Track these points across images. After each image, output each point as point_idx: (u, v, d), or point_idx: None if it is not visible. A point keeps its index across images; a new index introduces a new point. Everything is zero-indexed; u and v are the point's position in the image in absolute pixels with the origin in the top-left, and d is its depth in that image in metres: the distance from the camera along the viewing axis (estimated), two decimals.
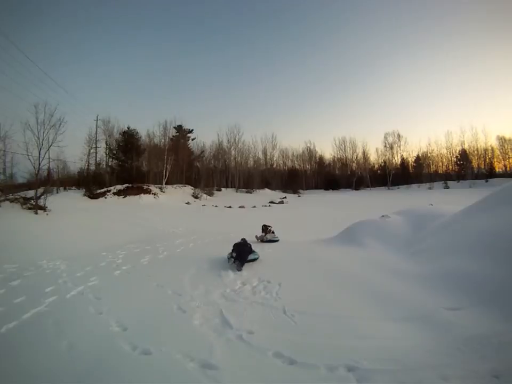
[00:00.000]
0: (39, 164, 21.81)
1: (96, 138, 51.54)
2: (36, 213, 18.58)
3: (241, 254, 8.76)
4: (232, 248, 9.13)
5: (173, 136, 59.38)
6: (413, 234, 10.49)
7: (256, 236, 13.09)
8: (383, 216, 12.72)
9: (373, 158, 77.52)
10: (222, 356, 3.90)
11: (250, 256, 9.03)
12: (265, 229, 13.24)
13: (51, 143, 23.21)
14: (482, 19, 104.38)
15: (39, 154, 21.89)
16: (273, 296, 6.19)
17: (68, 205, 24.97)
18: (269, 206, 40.96)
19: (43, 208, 19.59)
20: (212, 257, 9.63)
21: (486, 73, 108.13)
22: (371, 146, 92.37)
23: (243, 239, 10.08)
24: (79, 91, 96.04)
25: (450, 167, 69.17)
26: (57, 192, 38.49)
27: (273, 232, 13.20)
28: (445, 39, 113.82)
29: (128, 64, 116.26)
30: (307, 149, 79.22)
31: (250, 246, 9.51)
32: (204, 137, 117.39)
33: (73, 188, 45.60)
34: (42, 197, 20.29)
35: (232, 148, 69.30)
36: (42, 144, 22.22)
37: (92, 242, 12.72)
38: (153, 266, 8.82)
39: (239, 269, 8.20)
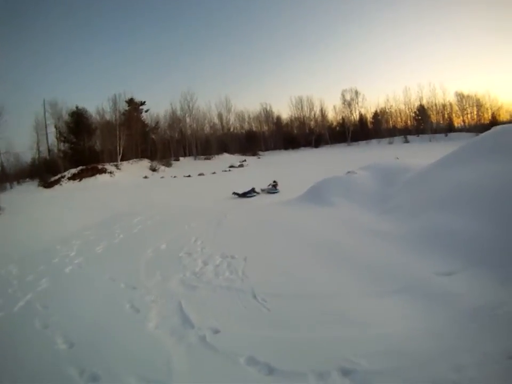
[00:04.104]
0: None
1: (45, 123, 49.68)
2: None
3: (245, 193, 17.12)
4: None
5: (124, 110, 56.75)
6: (383, 190, 10.12)
7: (261, 188, 18.33)
8: (349, 172, 12.31)
9: (331, 115, 76.84)
10: (182, 372, 3.15)
11: (251, 194, 17.23)
12: (274, 183, 18.67)
13: None
14: None
15: None
16: (239, 275, 5.63)
17: (22, 199, 23.94)
18: (229, 170, 40.48)
19: None
20: (171, 234, 9.03)
21: (445, 29, 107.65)
22: (329, 104, 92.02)
23: (253, 188, 17.69)
24: (19, 75, 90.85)
25: (409, 122, 69.59)
26: (11, 188, 37.15)
27: (275, 186, 18.44)
28: None
29: (67, 39, 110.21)
30: (263, 110, 77.43)
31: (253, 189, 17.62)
32: (158, 107, 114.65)
33: (27, 180, 43.43)
34: None
35: (186, 115, 67.27)
36: None
37: (47, 236, 11.58)
38: (107, 254, 8.09)
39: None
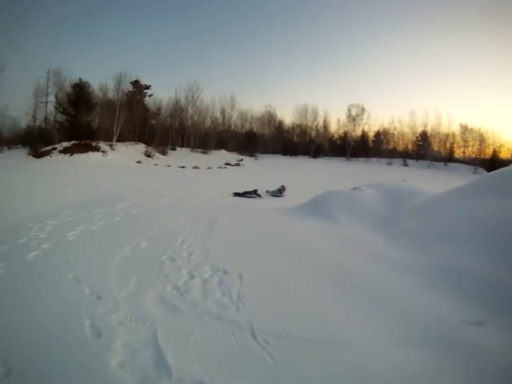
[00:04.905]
0: None
1: (47, 92, 48.67)
2: None
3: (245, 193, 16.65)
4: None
5: (128, 91, 55.86)
6: (388, 212, 9.61)
7: (266, 190, 18.75)
8: (355, 188, 11.59)
9: (333, 128, 76.05)
10: None
11: (251, 195, 16.79)
12: (282, 187, 19.10)
13: None
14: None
15: None
16: (234, 300, 4.52)
17: (7, 166, 22.52)
18: (225, 167, 39.82)
19: None
20: (156, 229, 8.08)
21: (458, 59, 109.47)
22: (333, 116, 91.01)
23: (255, 190, 17.45)
24: (25, 37, 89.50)
25: (409, 146, 69.20)
26: (0, 152, 36.32)
27: (281, 190, 18.96)
28: (422, 20, 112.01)
29: (83, 13, 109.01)
30: (267, 113, 77.15)
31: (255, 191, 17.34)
32: (161, 93, 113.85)
33: (19, 146, 42.48)
34: None
35: (189, 105, 66.67)
36: None
37: (23, 209, 10.59)
38: (79, 243, 7.05)
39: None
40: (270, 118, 76.99)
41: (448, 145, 65.33)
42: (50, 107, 49.84)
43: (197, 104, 67.06)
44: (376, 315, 4.26)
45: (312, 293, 4.89)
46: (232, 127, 74.52)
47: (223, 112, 72.51)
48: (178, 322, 3.91)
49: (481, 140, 62.05)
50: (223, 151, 58.69)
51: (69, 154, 35.81)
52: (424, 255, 6.35)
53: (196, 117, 67.42)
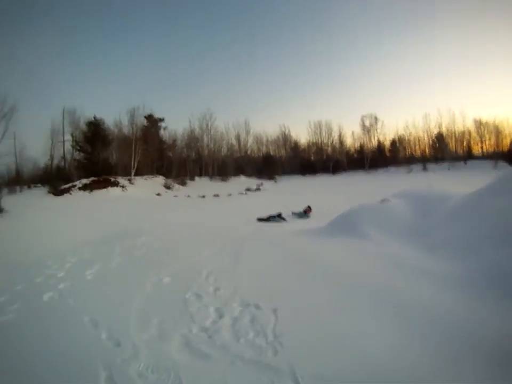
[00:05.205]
0: None
1: (63, 131, 49.92)
2: None
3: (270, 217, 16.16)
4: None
5: (143, 126, 56.45)
6: (419, 221, 8.97)
7: (292, 211, 18.29)
8: (383, 200, 10.95)
9: (349, 141, 76.06)
10: None
11: (276, 219, 16.16)
12: (308, 208, 18.38)
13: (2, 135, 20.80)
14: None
15: None
16: (270, 340, 3.93)
17: (28, 204, 22.59)
18: (245, 193, 39.14)
19: None
20: (179, 263, 7.61)
21: (464, 55, 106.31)
22: (347, 129, 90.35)
23: (279, 213, 16.83)
24: (40, 79, 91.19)
25: (427, 150, 68.56)
26: (20, 191, 36.81)
27: (307, 211, 18.19)
28: (425, 19, 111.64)
29: (94, 51, 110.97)
30: (282, 134, 77.32)
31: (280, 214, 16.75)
32: (176, 124, 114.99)
33: (39, 185, 43.03)
34: None
35: (204, 134, 67.05)
36: None
37: (42, 246, 10.54)
38: (97, 282, 6.68)
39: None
40: (285, 139, 77.39)
41: (465, 143, 64.58)
42: (67, 145, 50.86)
43: (211, 132, 67.52)
44: (440, 353, 3.56)
45: (354, 324, 4.28)
46: (249, 152, 74.54)
47: (238, 137, 73.03)
48: (208, 371, 3.36)
49: (497, 132, 61.25)
50: (242, 177, 58.42)
51: (88, 191, 35.78)
52: (471, 262, 5.83)
53: (212, 145, 67.76)
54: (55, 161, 50.83)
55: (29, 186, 42.32)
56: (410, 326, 4.11)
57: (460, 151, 63.47)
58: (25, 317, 4.98)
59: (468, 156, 60.67)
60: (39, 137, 78.72)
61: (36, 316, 5.00)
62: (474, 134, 64.47)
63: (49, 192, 35.10)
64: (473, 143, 64.83)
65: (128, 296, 5.57)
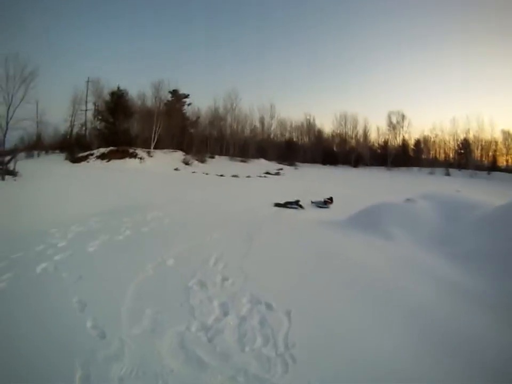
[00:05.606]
0: (7, 123, 19.04)
1: (86, 100, 50.27)
2: (3, 179, 15.87)
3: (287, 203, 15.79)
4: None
5: (167, 100, 56.63)
6: (445, 226, 8.47)
7: (311, 200, 17.56)
8: (408, 199, 10.42)
9: (373, 136, 74.91)
10: None
11: (294, 206, 15.70)
12: (329, 199, 17.91)
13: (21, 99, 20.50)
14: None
15: (7, 112, 19.14)
16: (280, 351, 3.30)
17: (43, 169, 22.59)
18: (265, 176, 38.43)
19: (12, 173, 16.81)
20: (187, 243, 7.07)
21: (501, 65, 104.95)
22: (372, 124, 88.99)
23: (297, 200, 16.36)
24: (66, 46, 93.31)
25: (451, 154, 67.34)
26: (38, 156, 36.86)
27: (327, 202, 17.70)
28: (463, 25, 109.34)
29: (123, 23, 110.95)
30: (306, 121, 76.17)
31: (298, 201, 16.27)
32: (200, 102, 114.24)
33: (57, 151, 43.24)
34: (13, 160, 17.65)
35: (228, 114, 66.78)
36: (11, 101, 19.48)
37: (50, 213, 10.25)
38: (97, 256, 6.22)
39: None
40: (309, 127, 76.48)
41: (490, 153, 63.00)
42: (89, 114, 51.26)
43: (235, 112, 67.14)
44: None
45: (384, 343, 3.61)
46: (272, 136, 73.87)
47: (262, 120, 72.18)
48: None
49: None
50: (263, 160, 57.82)
51: (106, 160, 35.82)
52: (507, 282, 5.20)
53: (235, 126, 67.46)
54: (75, 129, 51.16)
55: (47, 152, 42.60)
56: (445, 350, 3.51)
57: (484, 160, 62.29)
58: (12, 288, 4.59)
59: (492, 166, 59.13)
60: (61, 103, 78.86)
61: (23, 289, 4.56)
62: (500, 146, 63.28)
63: (66, 158, 35.45)
64: (499, 154, 63.47)
65: (126, 277, 5.03)
